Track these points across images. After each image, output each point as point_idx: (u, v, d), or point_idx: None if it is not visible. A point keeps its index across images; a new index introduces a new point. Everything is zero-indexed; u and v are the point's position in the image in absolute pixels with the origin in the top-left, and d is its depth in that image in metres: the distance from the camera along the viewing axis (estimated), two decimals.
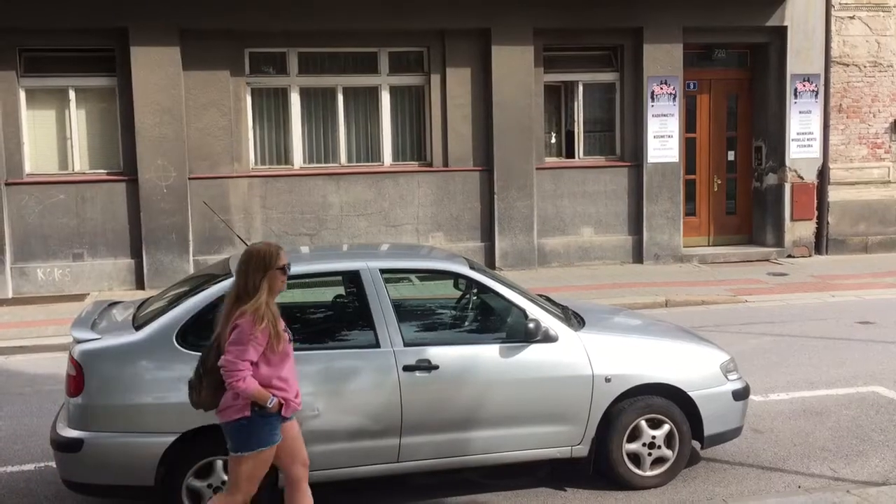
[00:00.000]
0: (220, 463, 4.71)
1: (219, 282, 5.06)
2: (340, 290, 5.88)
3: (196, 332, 4.84)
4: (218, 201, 11.64)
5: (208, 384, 4.04)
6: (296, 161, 12.39)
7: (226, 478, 4.69)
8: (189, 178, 11.74)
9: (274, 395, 3.98)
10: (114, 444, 4.67)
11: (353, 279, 5.32)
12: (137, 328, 4.93)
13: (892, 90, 13.63)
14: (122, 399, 4.69)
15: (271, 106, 12.40)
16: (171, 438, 4.64)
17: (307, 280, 5.76)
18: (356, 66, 12.56)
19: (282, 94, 12.34)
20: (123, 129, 11.71)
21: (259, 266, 4.06)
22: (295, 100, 12.29)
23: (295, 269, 5.53)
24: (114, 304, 5.86)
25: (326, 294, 6.06)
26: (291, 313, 5.74)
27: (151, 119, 11.53)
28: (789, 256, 13.41)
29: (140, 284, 11.61)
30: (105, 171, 11.84)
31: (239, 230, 11.54)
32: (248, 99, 12.16)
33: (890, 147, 13.74)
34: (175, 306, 4.96)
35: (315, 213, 12.24)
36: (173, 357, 4.73)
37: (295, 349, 5.09)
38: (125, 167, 11.78)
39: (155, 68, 11.47)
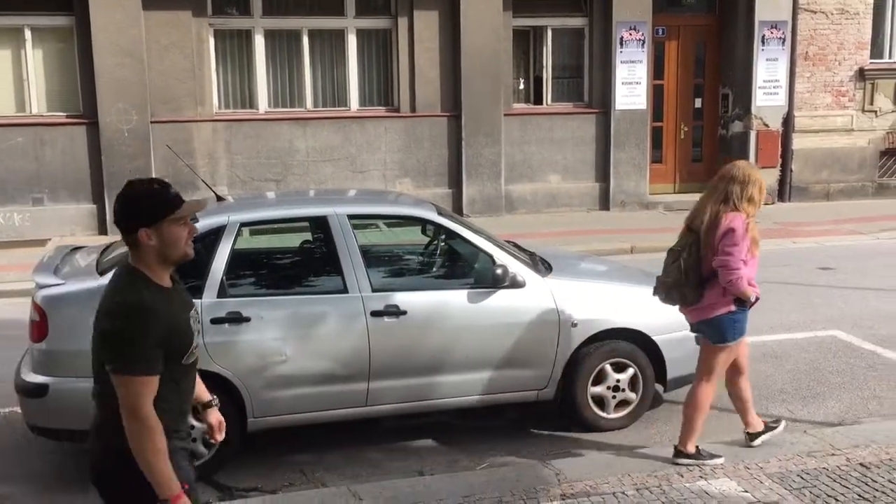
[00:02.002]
0: None
1: None
2: (307, 236, 5.84)
3: None
4: (182, 146, 11.44)
5: (690, 282, 4.45)
6: (261, 105, 12.18)
7: (193, 422, 4.70)
8: (151, 122, 11.50)
9: (754, 292, 4.44)
10: (80, 388, 4.59)
11: (320, 225, 5.29)
12: (102, 273, 4.86)
13: (857, 38, 13.70)
14: (87, 344, 4.61)
15: (235, 48, 12.14)
16: None
17: (274, 226, 5.72)
18: (322, 8, 12.30)
19: (246, 37, 12.08)
20: (82, 70, 11.40)
21: (756, 183, 4.45)
22: (259, 42, 12.04)
23: (261, 214, 5.52)
24: (76, 248, 5.77)
25: (293, 240, 6.03)
26: (258, 259, 5.74)
27: (111, 60, 11.23)
28: None
29: (103, 230, 11.43)
30: (64, 114, 11.55)
31: (203, 175, 11.35)
32: (211, 41, 11.88)
33: (854, 95, 13.86)
34: None
35: (281, 159, 12.09)
36: None
37: (262, 294, 5.11)
38: (85, 110, 11.49)
39: (114, 7, 11.13)
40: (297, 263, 5.77)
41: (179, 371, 2.68)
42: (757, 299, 4.50)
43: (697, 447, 4.67)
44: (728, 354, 4.61)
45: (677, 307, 4.73)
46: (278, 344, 4.79)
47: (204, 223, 4.98)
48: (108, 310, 2.61)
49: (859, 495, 4.26)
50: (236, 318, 4.73)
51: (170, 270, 2.71)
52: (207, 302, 4.73)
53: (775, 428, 4.93)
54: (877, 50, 13.99)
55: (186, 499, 2.57)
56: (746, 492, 4.30)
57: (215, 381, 4.73)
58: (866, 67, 13.76)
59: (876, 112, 13.95)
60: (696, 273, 4.45)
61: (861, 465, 4.60)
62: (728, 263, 4.34)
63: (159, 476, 2.53)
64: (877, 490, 4.31)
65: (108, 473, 2.67)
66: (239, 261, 5.16)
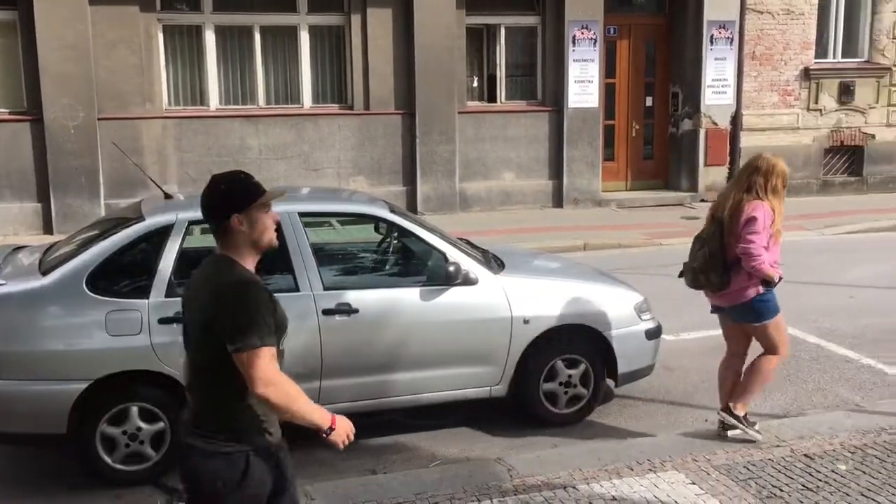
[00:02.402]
0: (134, 409, 4.64)
1: (130, 225, 4.92)
2: None
3: (107, 276, 4.71)
4: (130, 143, 11.21)
5: (715, 267, 4.71)
6: (212, 102, 12.02)
7: (141, 424, 4.64)
8: (98, 119, 11.26)
9: (777, 273, 4.72)
10: (23, 391, 4.53)
11: None
12: (44, 273, 4.76)
13: (802, 38, 13.99)
14: (30, 345, 4.54)
15: (185, 44, 11.95)
16: (82, 385, 4.53)
17: None
18: (273, 4, 12.19)
19: (196, 32, 11.90)
20: (26, 65, 11.11)
21: (780, 175, 4.74)
22: (210, 38, 11.87)
23: None
24: (19, 248, 5.65)
25: None
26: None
27: (56, 55, 10.96)
28: (702, 201, 13.75)
29: (48, 229, 11.17)
30: (7, 111, 11.25)
31: (152, 173, 11.14)
32: (160, 36, 11.69)
33: (800, 94, 14.16)
34: (84, 250, 4.80)
35: (232, 157, 11.93)
36: (83, 302, 4.60)
37: None
38: (29, 106, 11.20)
39: (58, 1, 10.88)
40: None
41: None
42: (780, 279, 4.77)
43: (746, 415, 4.91)
44: (776, 327, 4.88)
45: (703, 292, 4.97)
46: None
47: (151, 221, 4.92)
48: (216, 293, 2.65)
49: (803, 485, 4.35)
50: None
51: (256, 260, 2.82)
52: (155, 301, 4.66)
53: (750, 427, 4.91)
54: (821, 50, 14.32)
55: (340, 417, 2.77)
56: (694, 483, 4.37)
57: (165, 383, 4.67)
58: (811, 67, 14.07)
59: (821, 111, 14.28)
60: (721, 259, 4.72)
61: (805, 455, 4.70)
62: (750, 250, 4.60)
63: (312, 415, 2.70)
64: (820, 480, 4.41)
65: (195, 474, 2.73)
66: (188, 260, 5.05)
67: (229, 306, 2.61)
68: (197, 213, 5.09)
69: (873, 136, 14.56)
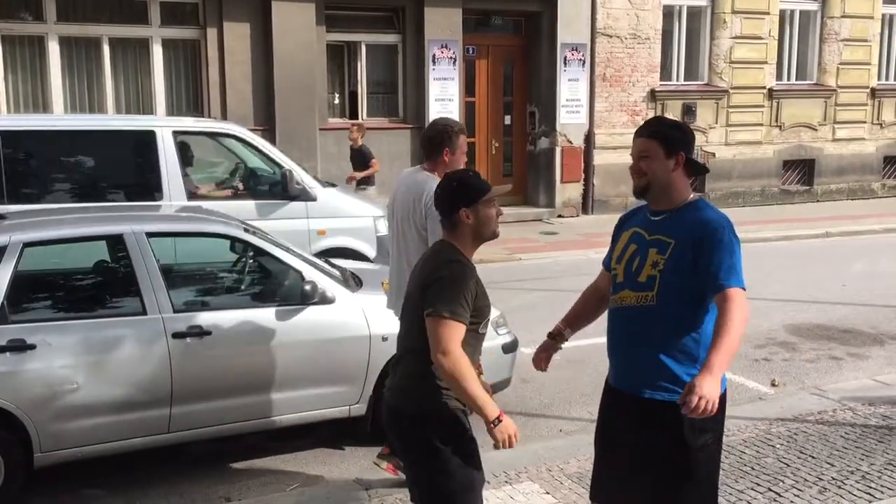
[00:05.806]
0: None
1: None
2: (105, 256, 5.53)
3: None
4: None
5: None
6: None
7: None
8: None
9: None
10: None
11: (117, 243, 5.03)
12: None
13: (649, 61, 14.78)
14: None
15: (26, 55, 11.34)
16: None
17: (66, 245, 5.36)
18: (123, 16, 11.75)
19: (38, 43, 11.30)
20: None
21: None
22: (53, 49, 11.30)
23: (48, 233, 5.16)
24: None
25: (91, 260, 5.68)
26: (48, 281, 5.36)
27: None
28: (560, 216, 14.28)
29: None
30: None
31: None
32: None
33: (647, 114, 14.89)
34: None
35: None
36: None
37: (50, 319, 4.78)
38: None
39: None
40: (92, 285, 5.44)
41: (473, 339, 3.08)
42: None
43: None
44: None
45: None
46: (69, 372, 4.49)
47: None
48: (433, 268, 3.03)
49: None
50: (19, 346, 4.39)
51: (476, 249, 3.19)
52: None
53: None
54: (666, 73, 15.17)
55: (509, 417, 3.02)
56: (548, 493, 4.49)
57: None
58: (657, 89, 14.87)
59: None
60: None
61: None
62: None
63: (481, 400, 2.93)
64: None
65: (415, 434, 3.06)
66: (24, 283, 4.79)
67: (437, 276, 2.98)
68: (33, 235, 4.88)
69: (714, 155, 15.53)
